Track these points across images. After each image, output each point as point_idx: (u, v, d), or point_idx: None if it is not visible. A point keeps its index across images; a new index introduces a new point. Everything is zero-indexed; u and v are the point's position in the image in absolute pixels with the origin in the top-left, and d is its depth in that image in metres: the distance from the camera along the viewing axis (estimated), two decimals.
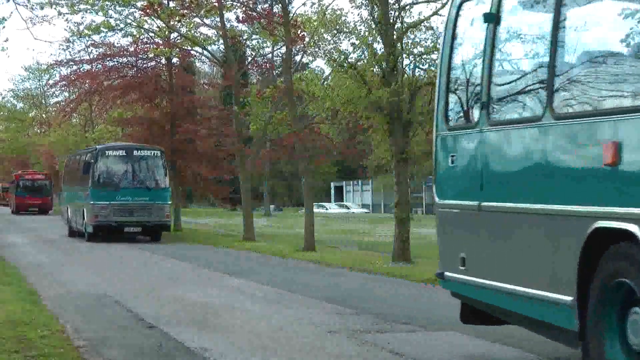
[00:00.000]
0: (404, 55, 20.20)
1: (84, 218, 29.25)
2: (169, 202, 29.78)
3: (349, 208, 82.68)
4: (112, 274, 17.38)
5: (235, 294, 13.96)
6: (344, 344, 9.30)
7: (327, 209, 76.59)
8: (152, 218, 28.65)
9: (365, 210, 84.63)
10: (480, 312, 8.38)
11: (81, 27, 33.81)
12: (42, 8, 28.21)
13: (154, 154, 29.94)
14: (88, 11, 31.83)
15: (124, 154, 29.50)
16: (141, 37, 36.70)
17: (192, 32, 34.24)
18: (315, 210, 33.44)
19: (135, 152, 29.70)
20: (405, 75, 20.14)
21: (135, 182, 29.17)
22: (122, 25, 33.95)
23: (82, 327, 10.41)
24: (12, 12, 36.47)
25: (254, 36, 34.05)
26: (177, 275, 17.17)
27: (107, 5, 31.06)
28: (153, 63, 38.77)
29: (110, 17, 32.71)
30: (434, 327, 10.45)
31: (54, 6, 29.74)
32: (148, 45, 36.54)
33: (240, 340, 9.52)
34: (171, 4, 33.05)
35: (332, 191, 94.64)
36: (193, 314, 11.56)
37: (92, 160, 29.29)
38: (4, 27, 17.22)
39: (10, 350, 8.53)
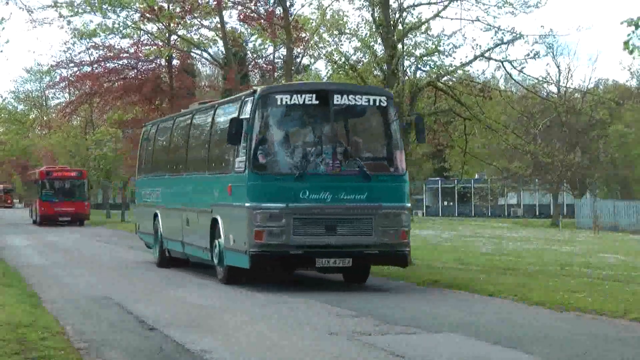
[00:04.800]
0: (405, 57, 20.20)
1: (214, 236, 15.73)
2: (408, 205, 15.11)
3: None
4: (112, 276, 17.38)
5: (235, 296, 13.96)
6: (344, 345, 9.30)
7: None
8: (376, 239, 14.39)
9: None
10: None
11: (81, 28, 33.94)
12: (44, 9, 28.35)
13: (375, 102, 15.06)
14: (87, 12, 31.90)
15: (315, 101, 14.62)
16: (141, 39, 36.80)
17: (192, 34, 34.33)
18: None
19: (337, 99, 14.73)
20: (406, 77, 20.15)
21: (338, 163, 14.65)
22: (120, 28, 34.03)
23: (82, 329, 10.42)
24: (11, 13, 36.43)
25: (252, 37, 34.13)
26: (177, 278, 17.16)
27: (105, 7, 31.10)
28: (153, 65, 38.84)
29: (109, 19, 32.79)
30: (434, 328, 10.45)
31: (56, 8, 29.85)
32: (148, 47, 36.60)
33: (240, 342, 9.53)
34: (171, 7, 33.10)
35: None
36: (193, 316, 11.56)
37: (246, 115, 14.60)
38: (3, 28, 17.25)
39: (11, 352, 8.54)
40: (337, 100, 14.68)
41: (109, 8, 31.59)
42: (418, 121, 15.62)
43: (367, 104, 14.99)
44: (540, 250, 29.27)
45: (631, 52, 11.65)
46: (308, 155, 14.55)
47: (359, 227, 14.38)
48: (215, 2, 29.88)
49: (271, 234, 14.03)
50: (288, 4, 29.01)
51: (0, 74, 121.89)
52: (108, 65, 39.02)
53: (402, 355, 8.72)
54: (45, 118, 77.06)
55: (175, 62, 39.13)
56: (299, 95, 14.53)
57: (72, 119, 54.47)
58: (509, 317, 11.60)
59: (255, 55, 38.78)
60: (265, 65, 36.94)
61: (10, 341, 9.08)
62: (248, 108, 14.57)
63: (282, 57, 35.14)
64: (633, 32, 11.38)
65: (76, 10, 31.54)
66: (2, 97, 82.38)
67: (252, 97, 14.63)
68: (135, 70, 38.68)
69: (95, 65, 39.95)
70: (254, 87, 15.69)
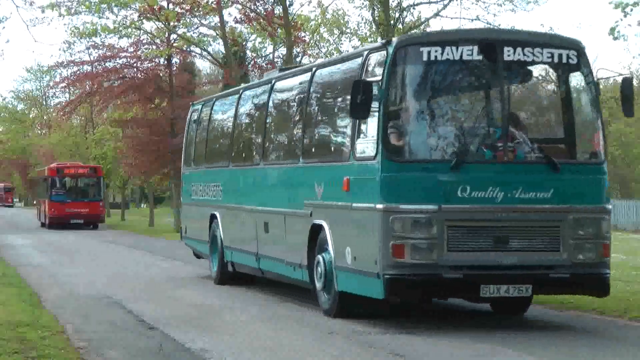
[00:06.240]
0: None
1: (314, 250, 11.58)
2: (609, 206, 10.60)
3: None
4: (112, 275, 17.38)
5: (235, 295, 13.95)
6: (344, 345, 9.30)
7: None
8: (566, 256, 10.13)
9: None
10: None
11: (80, 28, 33.99)
12: (43, 11, 28.31)
13: (561, 57, 10.55)
14: (84, 13, 31.95)
15: (477, 55, 10.31)
16: (141, 38, 36.84)
17: (192, 32, 34.37)
18: None
19: (508, 53, 10.31)
20: None
21: (511, 146, 10.32)
22: (120, 28, 34.04)
23: (82, 328, 10.43)
24: (11, 13, 36.46)
25: (252, 37, 34.18)
26: (177, 277, 17.16)
27: (102, 7, 31.12)
28: (152, 64, 38.82)
29: (107, 19, 32.84)
30: (434, 329, 10.43)
31: (54, 8, 29.85)
32: (148, 46, 36.63)
33: (240, 342, 9.52)
34: (170, 6, 33.11)
35: None
36: (193, 315, 11.56)
37: (376, 77, 10.26)
38: (4, 27, 17.27)
39: (11, 351, 8.54)
40: (509, 55, 10.30)
41: (106, 7, 31.60)
42: (625, 84, 10.60)
43: (550, 60, 10.55)
44: None
45: (615, 39, 11.64)
46: (467, 135, 10.43)
47: (541, 240, 10.14)
48: (215, 1, 29.86)
49: (417, 250, 9.80)
50: (287, 3, 28.97)
51: (0, 73, 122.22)
52: (108, 64, 39.03)
53: (402, 355, 8.71)
54: (45, 117, 77.10)
55: (175, 60, 39.14)
56: (453, 48, 10.19)
57: (72, 118, 54.45)
58: (509, 317, 11.59)
59: (254, 55, 38.83)
60: (265, 65, 36.93)
61: (10, 340, 9.08)
62: (378, 66, 10.33)
63: (281, 57, 35.15)
64: (621, 19, 11.38)
65: (72, 12, 31.58)
66: (2, 96, 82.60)
67: (384, 51, 10.29)
68: (135, 69, 38.68)
69: (96, 64, 39.96)
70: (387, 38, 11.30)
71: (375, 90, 9.99)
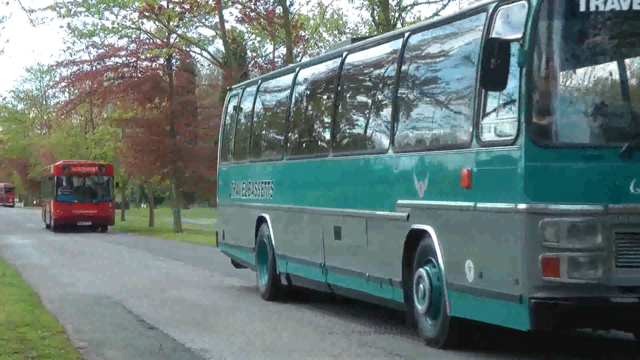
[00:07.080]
0: None
1: (411, 262, 9.14)
2: None
3: None
4: (112, 275, 17.39)
5: (235, 295, 13.97)
6: (344, 345, 9.30)
7: None
8: None
9: None
10: None
11: (80, 28, 34.11)
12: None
13: None
14: (83, 14, 32.06)
15: None
16: (140, 37, 36.93)
17: (192, 32, 34.46)
18: None
19: None
20: None
21: None
22: (120, 28, 34.13)
23: (82, 328, 10.43)
24: (11, 13, 36.60)
25: (252, 37, 34.26)
26: (176, 276, 17.17)
27: (101, 7, 31.21)
28: (150, 62, 38.89)
29: (106, 19, 32.94)
30: None
31: (55, 9, 29.94)
32: (147, 45, 36.70)
33: (240, 341, 9.53)
34: (170, 5, 33.16)
35: None
36: (193, 315, 11.57)
37: (514, 35, 7.58)
38: (3, 27, 17.33)
39: (11, 351, 8.54)
40: None
41: (106, 7, 31.69)
42: None
43: None
44: None
45: None
46: None
47: None
48: (215, 1, 29.87)
49: (575, 265, 7.32)
50: (288, 3, 29.00)
51: (0, 73, 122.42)
52: (107, 63, 39.10)
53: (402, 355, 8.71)
54: (45, 117, 77.17)
55: (174, 60, 39.20)
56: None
57: (72, 118, 54.50)
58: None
59: (254, 55, 38.92)
60: (265, 65, 37.03)
61: (10, 340, 9.09)
62: (515, 22, 7.71)
63: (281, 57, 35.20)
64: None
65: (72, 13, 31.69)
66: (1, 96, 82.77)
67: (524, 1, 7.64)
68: (134, 68, 38.71)
69: (95, 63, 40.02)
70: None
71: (516, 52, 7.56)
